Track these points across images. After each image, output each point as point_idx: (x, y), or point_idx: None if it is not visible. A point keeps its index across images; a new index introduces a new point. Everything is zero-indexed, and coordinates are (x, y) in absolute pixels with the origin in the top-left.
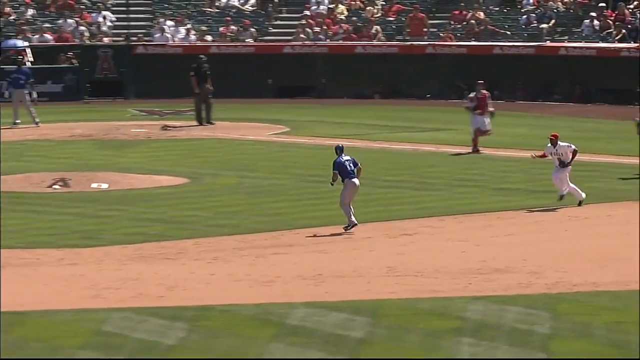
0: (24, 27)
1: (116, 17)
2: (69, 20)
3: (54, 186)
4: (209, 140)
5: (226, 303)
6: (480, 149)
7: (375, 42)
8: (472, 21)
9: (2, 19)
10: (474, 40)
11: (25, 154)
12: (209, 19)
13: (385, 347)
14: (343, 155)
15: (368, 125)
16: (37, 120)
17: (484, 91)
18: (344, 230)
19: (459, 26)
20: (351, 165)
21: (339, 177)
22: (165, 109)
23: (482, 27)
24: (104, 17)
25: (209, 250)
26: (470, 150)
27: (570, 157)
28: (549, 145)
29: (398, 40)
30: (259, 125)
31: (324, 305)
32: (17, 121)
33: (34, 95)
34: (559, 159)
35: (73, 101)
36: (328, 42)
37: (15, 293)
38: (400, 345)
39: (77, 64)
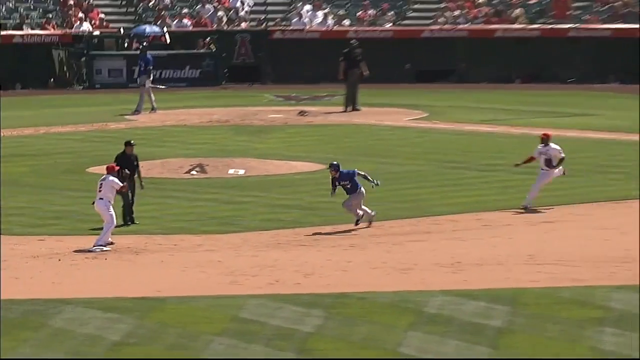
0: (163, 13)
1: (254, 2)
2: (207, 6)
3: (192, 172)
4: (346, 126)
5: (363, 290)
6: None
7: (515, 26)
8: (617, 3)
9: (141, 4)
10: (619, 23)
11: (163, 140)
12: (347, 3)
13: (526, 337)
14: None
15: (508, 110)
16: (154, 105)
17: None
18: (354, 226)
19: (603, 9)
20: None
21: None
22: (302, 95)
23: (627, 9)
24: (242, 2)
25: (346, 237)
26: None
27: (558, 160)
28: (539, 146)
29: (540, 23)
30: (397, 111)
31: (462, 294)
32: (155, 106)
33: (147, 82)
34: (546, 160)
35: (210, 86)
36: (468, 25)
37: (153, 279)
38: (541, 334)
39: (215, 50)
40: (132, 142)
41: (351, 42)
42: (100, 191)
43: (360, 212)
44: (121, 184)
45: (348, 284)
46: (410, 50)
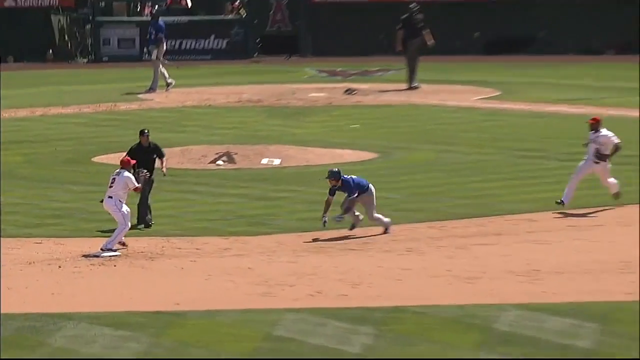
0: None
1: None
2: None
3: (217, 162)
4: (403, 107)
5: (421, 304)
6: None
7: None
8: None
9: None
10: None
11: (183, 124)
12: None
13: None
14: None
15: (598, 88)
16: (168, 81)
17: None
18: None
19: None
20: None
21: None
22: (350, 69)
23: None
24: None
25: (401, 239)
26: None
27: (610, 150)
28: (590, 133)
29: None
30: (463, 89)
31: (541, 308)
32: (169, 81)
33: (155, 52)
34: (597, 149)
35: (240, 59)
36: None
37: (172, 289)
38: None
39: (245, 15)
40: (146, 131)
41: (410, 6)
42: (111, 187)
43: (361, 217)
44: (136, 184)
45: (403, 296)
46: (480, 15)
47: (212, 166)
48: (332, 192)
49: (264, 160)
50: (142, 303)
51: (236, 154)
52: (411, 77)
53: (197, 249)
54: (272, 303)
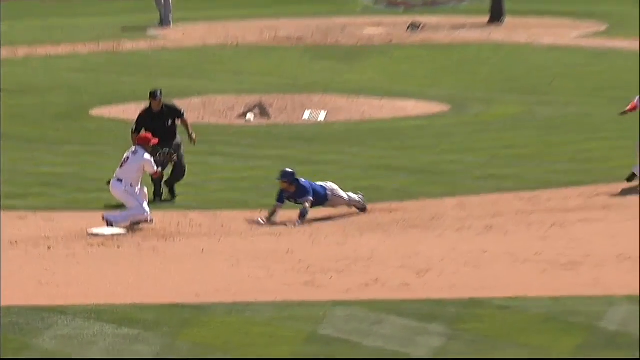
0: None
1: None
2: None
3: (247, 116)
4: (482, 46)
5: (505, 295)
6: None
7: None
8: None
9: None
10: None
11: (204, 68)
12: None
13: None
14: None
15: None
16: (169, 18)
17: None
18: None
19: None
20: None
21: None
22: None
23: None
24: None
25: (479, 215)
26: None
27: None
28: None
29: None
30: (560, 22)
31: None
32: (163, 18)
33: None
34: None
35: None
36: None
37: (191, 277)
38: None
39: None
40: (158, 92)
41: None
42: (122, 167)
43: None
44: (155, 169)
45: (482, 286)
46: None
47: (241, 121)
48: (281, 199)
49: (306, 115)
50: (153, 294)
51: (271, 106)
52: (499, 10)
53: (221, 226)
54: (317, 295)
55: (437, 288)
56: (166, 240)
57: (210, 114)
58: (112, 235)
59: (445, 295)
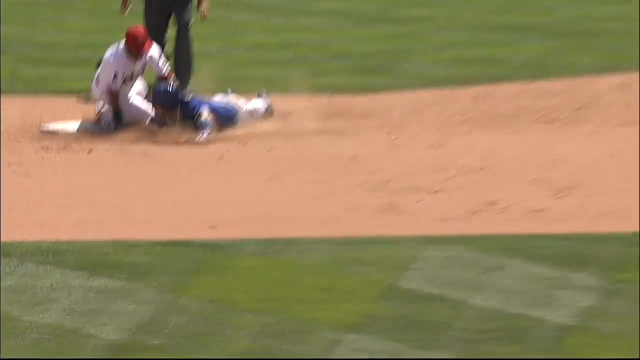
0: None
1: None
2: None
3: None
4: None
5: None
6: None
7: None
8: None
9: None
10: None
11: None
12: None
13: None
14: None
15: None
16: None
17: None
18: None
19: None
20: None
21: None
22: None
23: None
24: None
25: None
26: None
27: None
28: None
29: None
30: None
31: None
32: None
33: None
34: None
35: None
36: None
37: (202, 199)
38: None
39: None
40: None
41: None
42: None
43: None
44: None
45: None
46: None
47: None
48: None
49: None
50: (144, 225)
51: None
52: None
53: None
54: (399, 226)
55: (588, 216)
56: (164, 144)
57: None
58: (83, 132)
59: (599, 227)
